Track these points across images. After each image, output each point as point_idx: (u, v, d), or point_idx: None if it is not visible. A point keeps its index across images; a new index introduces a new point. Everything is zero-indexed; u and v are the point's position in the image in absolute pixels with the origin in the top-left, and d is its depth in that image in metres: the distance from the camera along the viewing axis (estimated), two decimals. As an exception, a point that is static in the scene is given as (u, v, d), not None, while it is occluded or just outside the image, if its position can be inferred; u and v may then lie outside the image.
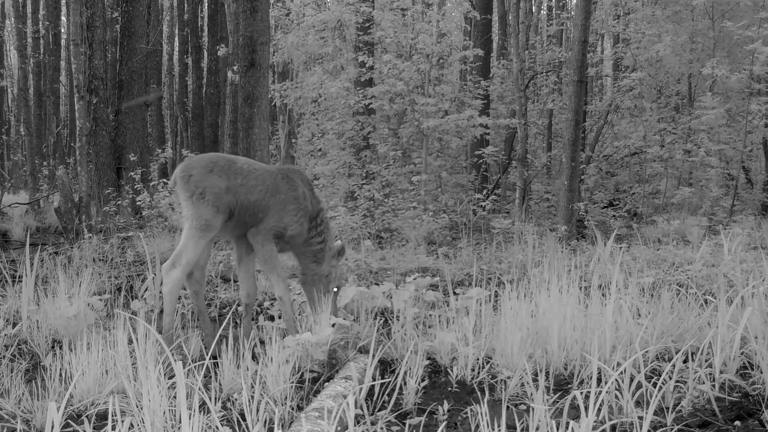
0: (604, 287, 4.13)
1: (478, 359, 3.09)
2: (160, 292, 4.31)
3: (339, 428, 2.32)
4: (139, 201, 9.24)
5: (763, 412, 2.50)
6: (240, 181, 3.35)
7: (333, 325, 3.16)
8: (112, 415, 2.36)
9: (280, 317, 3.96)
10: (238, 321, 4.12)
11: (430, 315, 3.83)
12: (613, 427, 2.43)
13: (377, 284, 4.75)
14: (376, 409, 2.63)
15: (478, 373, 3.02)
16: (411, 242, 7.65)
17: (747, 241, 6.65)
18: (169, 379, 2.59)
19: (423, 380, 2.92)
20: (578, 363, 2.98)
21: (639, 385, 2.64)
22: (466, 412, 2.58)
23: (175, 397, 2.49)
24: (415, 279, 4.35)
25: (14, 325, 3.70)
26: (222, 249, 6.92)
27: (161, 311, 4.29)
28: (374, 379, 2.80)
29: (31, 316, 3.62)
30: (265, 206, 3.42)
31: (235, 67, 8.43)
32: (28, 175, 16.54)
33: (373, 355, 2.76)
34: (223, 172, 3.33)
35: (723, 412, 2.55)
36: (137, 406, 2.32)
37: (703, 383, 2.67)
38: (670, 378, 2.65)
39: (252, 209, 3.40)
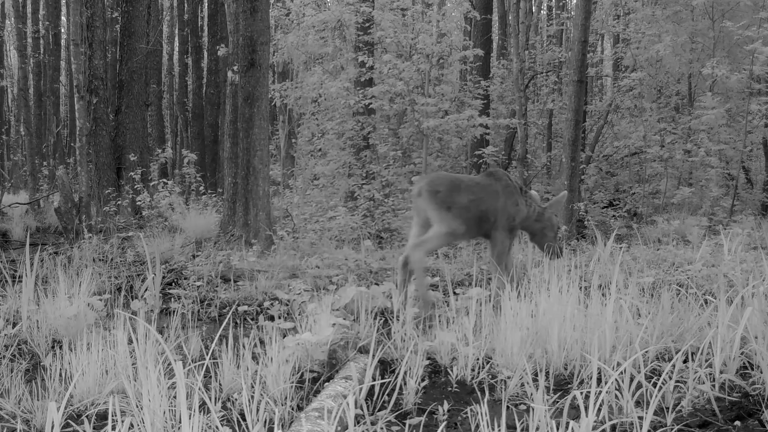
0: (604, 287, 4.14)
1: (478, 359, 3.09)
2: (160, 292, 4.34)
3: (339, 428, 2.32)
4: (139, 201, 9.25)
5: (763, 412, 2.50)
6: (474, 197, 3.96)
7: (333, 325, 3.16)
8: (112, 415, 2.36)
9: (280, 317, 3.96)
10: (238, 321, 4.13)
11: (430, 315, 3.83)
12: (613, 427, 2.43)
13: (377, 284, 4.75)
14: (376, 409, 2.63)
15: (478, 373, 3.02)
16: (411, 242, 7.65)
17: (747, 241, 6.65)
18: (169, 379, 2.59)
19: (423, 380, 2.92)
20: (578, 363, 2.98)
21: (639, 385, 2.64)
22: (466, 412, 2.58)
23: (175, 397, 2.49)
24: (415, 279, 4.35)
25: (14, 325, 3.70)
26: (221, 249, 6.92)
27: (161, 311, 4.30)
28: (374, 379, 2.80)
29: (31, 316, 3.61)
30: (494, 210, 4.03)
31: (235, 67, 8.42)
32: (28, 175, 16.54)
33: (373, 355, 2.76)
34: (464, 190, 3.95)
35: (723, 412, 2.55)
36: (137, 406, 2.32)
37: (703, 383, 2.67)
38: (670, 378, 2.65)
39: (485, 216, 4.01)
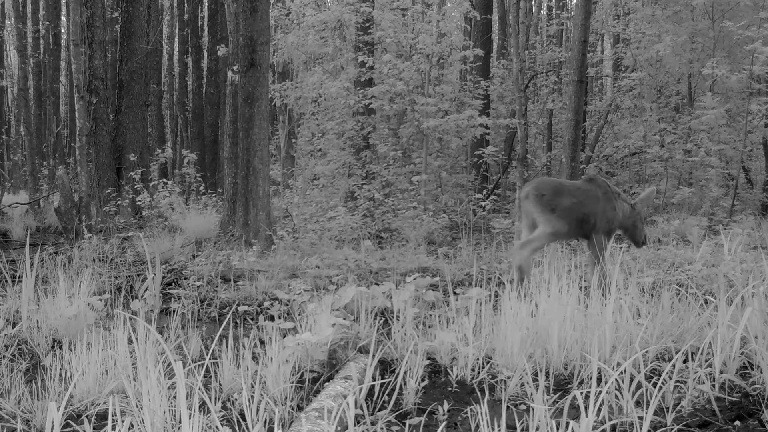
0: (604, 287, 4.14)
1: (478, 359, 3.09)
2: (161, 292, 4.34)
3: (339, 428, 2.32)
4: (139, 201, 9.25)
5: (763, 412, 2.50)
6: (576, 200, 4.27)
7: (333, 325, 3.16)
8: (112, 415, 2.36)
9: (280, 317, 3.96)
10: (238, 321, 4.13)
11: (430, 315, 3.83)
12: (613, 427, 2.43)
13: (377, 284, 4.75)
14: (376, 409, 2.63)
15: (478, 373, 3.02)
16: (411, 242, 7.66)
17: (747, 241, 6.64)
18: (169, 379, 2.59)
19: (423, 380, 2.92)
20: (578, 363, 2.98)
21: (639, 385, 2.64)
22: (466, 412, 2.58)
23: (175, 397, 2.49)
24: (415, 279, 4.35)
25: (14, 325, 3.70)
26: (221, 249, 6.92)
27: (161, 311, 4.30)
28: (374, 379, 2.80)
29: (31, 316, 3.61)
30: (594, 214, 4.33)
31: (235, 67, 8.42)
32: (28, 175, 16.54)
33: (373, 355, 2.76)
34: (566, 193, 4.27)
35: (723, 412, 2.55)
36: (137, 406, 2.32)
37: (703, 383, 2.67)
38: (670, 378, 2.65)
39: (586, 218, 4.31)
